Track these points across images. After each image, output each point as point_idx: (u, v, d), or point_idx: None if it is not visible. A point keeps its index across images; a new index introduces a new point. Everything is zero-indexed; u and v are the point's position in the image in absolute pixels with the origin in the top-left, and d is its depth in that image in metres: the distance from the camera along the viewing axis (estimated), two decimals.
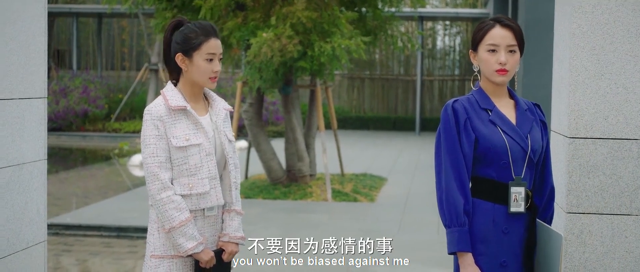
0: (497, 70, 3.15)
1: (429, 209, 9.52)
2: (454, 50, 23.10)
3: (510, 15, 14.76)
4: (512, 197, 3.13)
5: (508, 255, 3.14)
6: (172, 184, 3.33)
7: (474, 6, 23.31)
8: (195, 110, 3.41)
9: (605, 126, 3.53)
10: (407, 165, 14.20)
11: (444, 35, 23.53)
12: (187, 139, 3.33)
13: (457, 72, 22.76)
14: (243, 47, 10.56)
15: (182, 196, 3.33)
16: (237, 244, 3.50)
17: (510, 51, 3.15)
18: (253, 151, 11.64)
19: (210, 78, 3.38)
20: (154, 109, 3.34)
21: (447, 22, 23.03)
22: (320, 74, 10.18)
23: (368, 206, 10.05)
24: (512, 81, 3.28)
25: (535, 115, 3.27)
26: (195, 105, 3.44)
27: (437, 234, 8.28)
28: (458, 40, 23.20)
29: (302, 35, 9.60)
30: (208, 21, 3.48)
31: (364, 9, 11.01)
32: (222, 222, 3.51)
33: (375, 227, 8.71)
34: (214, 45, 3.37)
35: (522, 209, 3.15)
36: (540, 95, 10.46)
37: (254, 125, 10.90)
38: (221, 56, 3.43)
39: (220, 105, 3.50)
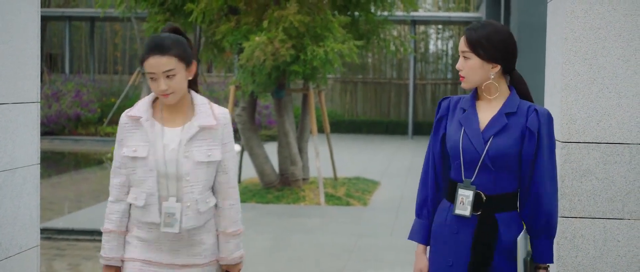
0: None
1: None
2: (447, 54, 23.13)
3: (502, 20, 14.79)
4: (459, 199, 3.08)
5: (455, 256, 3.11)
6: (128, 191, 3.30)
7: (467, 10, 23.36)
8: (164, 122, 3.23)
9: (597, 131, 3.54)
10: (400, 168, 14.21)
11: (437, 39, 23.57)
12: (135, 150, 3.23)
13: (449, 75, 22.78)
14: (236, 51, 10.56)
15: (130, 204, 3.29)
16: (236, 264, 3.40)
17: (464, 57, 3.12)
18: (246, 154, 11.62)
19: (162, 95, 3.16)
20: (124, 115, 3.31)
21: (440, 26, 23.07)
22: (313, 78, 10.18)
23: (361, 210, 10.05)
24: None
25: (522, 121, 3.09)
26: (169, 116, 3.25)
27: None
28: (450, 44, 23.23)
29: (295, 39, 9.61)
30: (168, 34, 3.19)
31: (356, 13, 11.01)
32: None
33: (368, 231, 8.71)
34: (153, 64, 3.09)
35: (467, 212, 3.07)
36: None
37: (247, 129, 10.90)
38: (171, 73, 3.11)
39: (197, 122, 3.21)
